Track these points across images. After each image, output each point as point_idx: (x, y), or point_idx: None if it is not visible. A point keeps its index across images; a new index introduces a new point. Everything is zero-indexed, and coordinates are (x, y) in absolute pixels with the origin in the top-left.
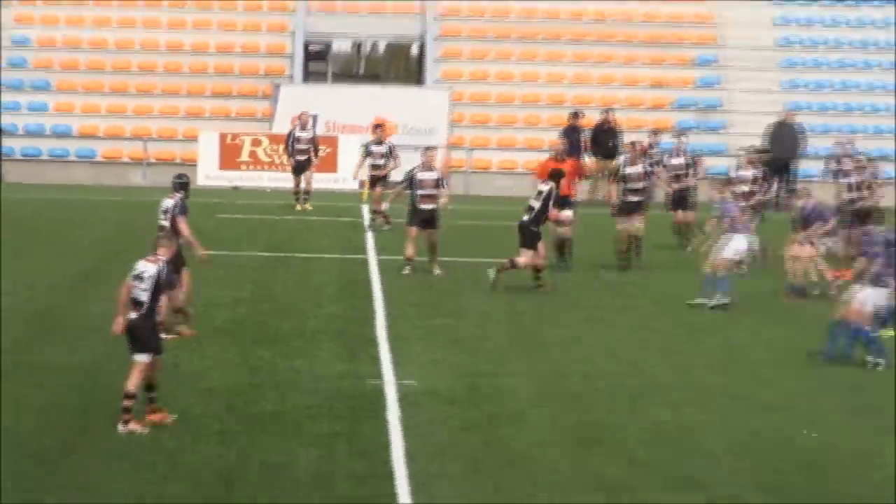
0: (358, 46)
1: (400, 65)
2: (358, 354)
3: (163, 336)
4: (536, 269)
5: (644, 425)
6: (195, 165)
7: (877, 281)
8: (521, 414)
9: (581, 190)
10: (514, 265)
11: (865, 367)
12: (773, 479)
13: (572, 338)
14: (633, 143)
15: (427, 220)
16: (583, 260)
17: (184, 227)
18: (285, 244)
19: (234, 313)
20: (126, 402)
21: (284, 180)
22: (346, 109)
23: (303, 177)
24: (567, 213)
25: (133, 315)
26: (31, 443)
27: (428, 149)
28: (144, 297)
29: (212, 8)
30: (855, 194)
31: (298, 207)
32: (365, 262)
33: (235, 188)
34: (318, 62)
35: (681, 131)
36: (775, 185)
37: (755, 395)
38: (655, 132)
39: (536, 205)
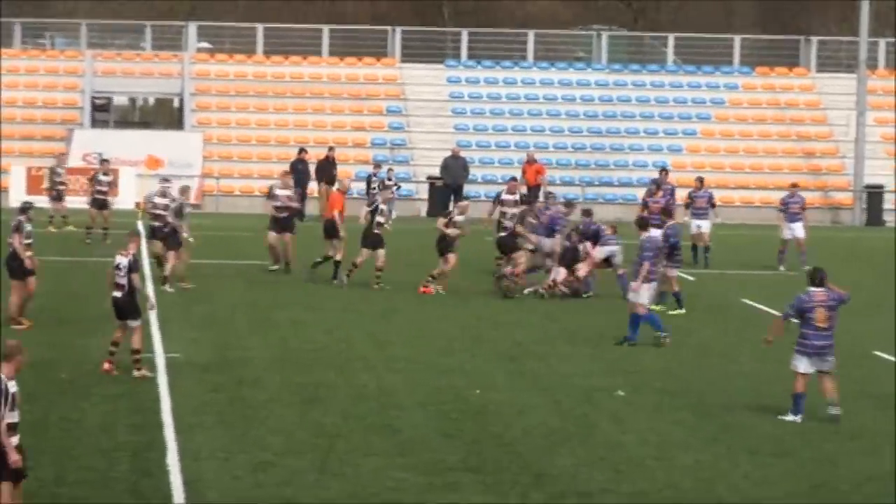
0: (133, 100)
1: (165, 114)
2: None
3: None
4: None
5: (352, 386)
6: (6, 192)
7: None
8: (258, 378)
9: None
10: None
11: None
12: (450, 425)
13: (296, 320)
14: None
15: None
16: (301, 259)
17: (15, 242)
18: (79, 251)
19: (39, 303)
20: (136, 356)
21: (78, 202)
22: (124, 149)
23: (61, 204)
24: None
25: (119, 294)
26: None
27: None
28: (124, 280)
29: (19, 70)
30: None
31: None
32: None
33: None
34: (103, 112)
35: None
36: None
37: (437, 362)
38: (378, 165)
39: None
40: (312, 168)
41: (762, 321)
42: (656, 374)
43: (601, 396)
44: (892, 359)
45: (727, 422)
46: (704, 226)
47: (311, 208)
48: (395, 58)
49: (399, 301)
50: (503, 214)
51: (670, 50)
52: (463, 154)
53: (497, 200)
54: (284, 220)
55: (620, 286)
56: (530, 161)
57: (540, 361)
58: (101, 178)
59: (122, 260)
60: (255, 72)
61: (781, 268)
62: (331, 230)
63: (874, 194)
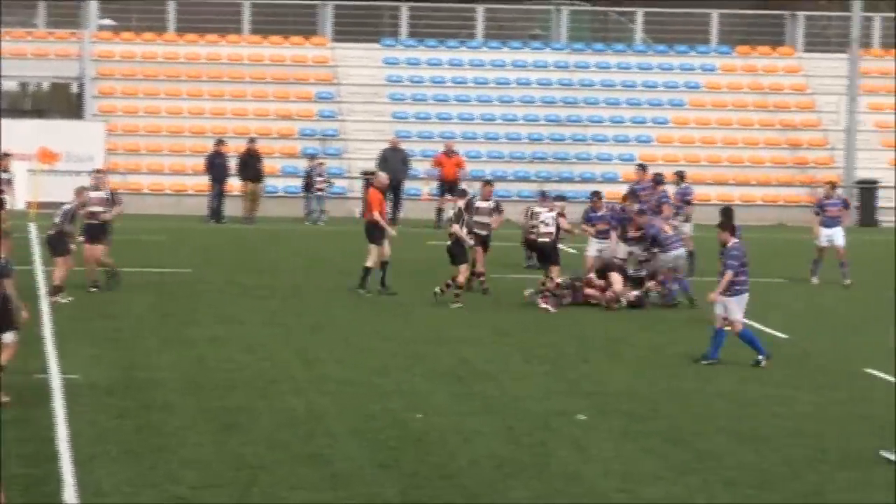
0: (24, 85)
1: (62, 101)
2: (25, 352)
3: None
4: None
5: (276, 411)
6: None
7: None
8: (170, 403)
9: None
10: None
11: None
12: (387, 455)
13: (213, 336)
14: None
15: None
16: (216, 268)
17: None
18: None
19: None
20: None
21: None
22: (14, 141)
23: None
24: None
25: None
26: None
27: (87, 182)
28: None
29: None
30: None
31: None
32: (31, 273)
33: None
34: None
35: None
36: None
37: (372, 383)
38: (318, 161)
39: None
40: (232, 162)
41: None
42: (622, 396)
43: (560, 421)
44: (889, 378)
45: (702, 449)
46: (686, 227)
47: (233, 208)
48: (326, 36)
49: (330, 314)
50: (477, 223)
51: (639, 27)
52: (403, 146)
53: (468, 208)
54: (96, 229)
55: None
56: (449, 153)
57: (490, 382)
58: (2, 175)
59: None
60: (165, 52)
61: (814, 279)
62: (373, 233)
63: (867, 190)
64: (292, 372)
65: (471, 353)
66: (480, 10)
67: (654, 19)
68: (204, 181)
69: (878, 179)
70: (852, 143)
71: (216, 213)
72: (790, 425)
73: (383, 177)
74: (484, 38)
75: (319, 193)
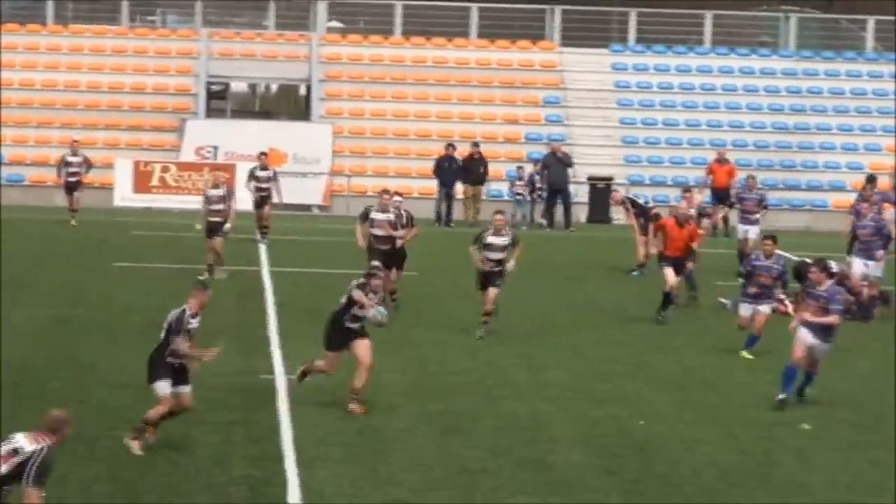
0: (253, 87)
1: (290, 103)
2: (252, 352)
3: None
4: None
5: (499, 416)
6: (111, 189)
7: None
8: (392, 405)
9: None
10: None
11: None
12: (610, 462)
13: (437, 340)
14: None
15: None
16: (442, 272)
17: None
18: (190, 257)
19: (146, 317)
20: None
21: (190, 202)
22: (242, 141)
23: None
24: None
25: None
26: None
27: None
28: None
29: (126, 51)
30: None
31: None
32: (258, 273)
33: (148, 209)
34: (219, 100)
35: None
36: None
37: (595, 389)
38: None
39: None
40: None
41: None
42: (847, 406)
43: (783, 430)
44: None
45: None
46: (752, 231)
47: (458, 212)
48: (554, 41)
49: (552, 320)
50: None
51: (870, 34)
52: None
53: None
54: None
55: None
56: (721, 160)
57: (713, 390)
58: (260, 174)
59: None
60: (392, 55)
61: None
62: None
63: None
64: (514, 377)
65: (693, 360)
66: (709, 16)
67: (885, 27)
68: (428, 184)
69: None
70: None
71: (444, 217)
72: None
73: (683, 207)
74: (712, 45)
75: (519, 198)
